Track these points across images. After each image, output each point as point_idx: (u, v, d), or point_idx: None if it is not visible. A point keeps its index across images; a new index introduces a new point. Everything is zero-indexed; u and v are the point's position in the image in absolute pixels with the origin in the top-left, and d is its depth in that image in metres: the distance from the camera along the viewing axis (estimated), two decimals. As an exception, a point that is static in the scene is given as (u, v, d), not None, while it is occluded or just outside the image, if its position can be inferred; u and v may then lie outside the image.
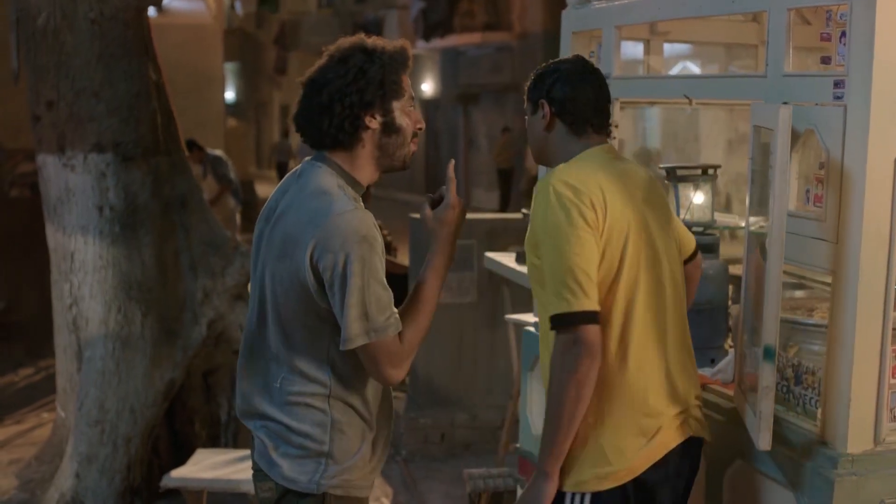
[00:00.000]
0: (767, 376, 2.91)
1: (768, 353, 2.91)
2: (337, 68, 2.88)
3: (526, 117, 3.21)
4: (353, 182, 2.93)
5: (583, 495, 2.93)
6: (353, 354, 2.85)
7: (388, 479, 6.64)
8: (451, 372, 7.26)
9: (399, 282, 8.38)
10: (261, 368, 2.98)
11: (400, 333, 2.87)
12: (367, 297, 2.78)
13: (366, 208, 2.91)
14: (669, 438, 2.97)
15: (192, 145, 11.72)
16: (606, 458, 2.92)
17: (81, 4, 5.86)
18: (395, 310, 2.86)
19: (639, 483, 2.94)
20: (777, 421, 3.10)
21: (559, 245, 2.85)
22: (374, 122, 2.90)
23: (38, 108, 6.04)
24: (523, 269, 5.75)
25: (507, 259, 6.15)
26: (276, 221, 2.92)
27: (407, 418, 7.09)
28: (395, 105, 2.92)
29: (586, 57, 3.88)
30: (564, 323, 2.82)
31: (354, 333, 2.78)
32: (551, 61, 3.19)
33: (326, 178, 2.90)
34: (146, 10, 6.26)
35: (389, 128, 2.93)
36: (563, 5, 4.44)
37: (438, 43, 26.02)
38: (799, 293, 3.73)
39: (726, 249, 4.29)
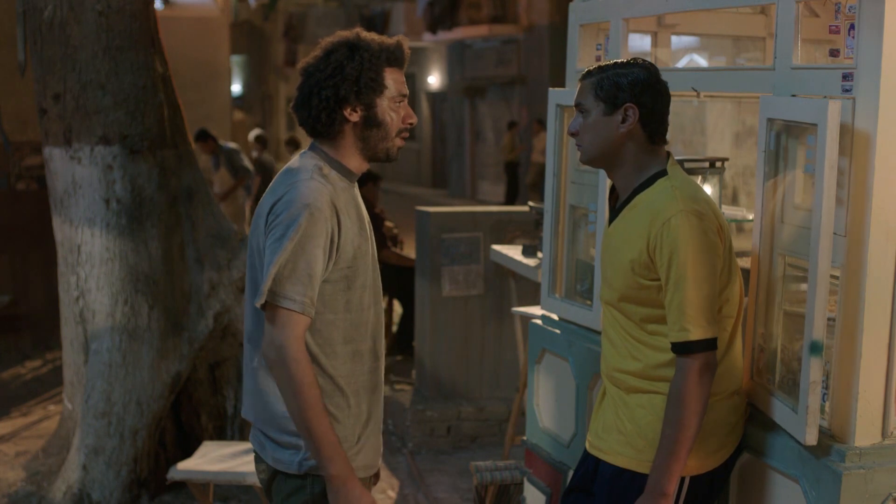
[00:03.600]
0: (815, 371, 2.93)
1: (816, 349, 2.91)
2: (320, 62, 3.02)
3: (585, 115, 3.20)
4: (341, 168, 3.05)
5: (682, 479, 3.12)
6: (322, 333, 2.97)
7: (394, 471, 6.65)
8: (458, 364, 7.26)
9: (406, 274, 8.38)
10: (247, 352, 3.11)
11: (304, 373, 2.85)
12: (290, 261, 2.85)
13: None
14: (741, 428, 3.26)
15: (206, 135, 11.70)
16: (707, 445, 3.14)
17: (88, -3, 5.87)
18: (312, 294, 2.89)
19: (722, 468, 3.23)
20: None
21: (698, 273, 3.00)
22: (355, 116, 3.01)
23: (45, 100, 6.04)
24: (529, 261, 5.76)
25: (513, 252, 6.15)
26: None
27: (413, 411, 7.09)
28: (379, 100, 3.01)
29: (597, 46, 3.89)
30: (701, 349, 3.00)
31: (264, 289, 2.86)
32: (618, 63, 3.17)
33: (305, 160, 3.03)
34: (153, 3, 6.26)
35: (370, 122, 3.02)
36: (571, -2, 4.43)
37: (445, 35, 25.99)
38: (805, 286, 3.72)
39: (733, 242, 4.28)
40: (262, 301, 2.86)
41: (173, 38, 7.47)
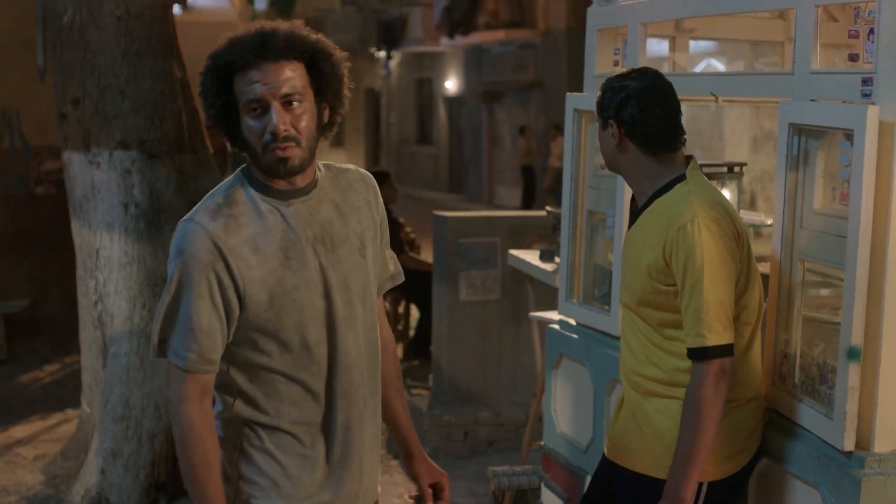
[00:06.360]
0: (853, 377, 2.92)
1: (853, 354, 2.90)
2: None
3: (597, 128, 3.30)
4: (261, 186, 2.67)
5: (700, 485, 3.11)
6: (260, 376, 2.68)
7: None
8: (475, 369, 7.26)
9: (423, 278, 8.38)
10: None
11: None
12: (168, 314, 2.60)
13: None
14: (760, 433, 3.24)
15: None
16: (724, 450, 3.13)
17: (107, 2, 5.88)
18: (199, 348, 2.59)
19: (740, 473, 3.23)
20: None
21: (714, 278, 2.99)
22: (237, 129, 2.65)
23: (64, 105, 6.07)
24: (547, 266, 5.75)
25: (530, 256, 6.14)
26: None
27: (430, 415, 7.09)
28: (242, 113, 2.60)
29: (615, 50, 3.89)
30: (717, 355, 2.98)
31: (153, 341, 2.64)
32: (619, 74, 3.23)
33: (226, 181, 2.72)
34: (171, 8, 6.28)
35: (239, 138, 2.65)
36: (588, 2, 4.43)
37: (462, 40, 26.01)
38: (824, 291, 3.71)
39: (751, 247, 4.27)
40: (154, 356, 2.64)
41: (191, 42, 7.48)
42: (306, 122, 2.60)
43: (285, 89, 2.56)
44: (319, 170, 2.77)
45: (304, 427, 2.71)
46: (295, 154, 2.59)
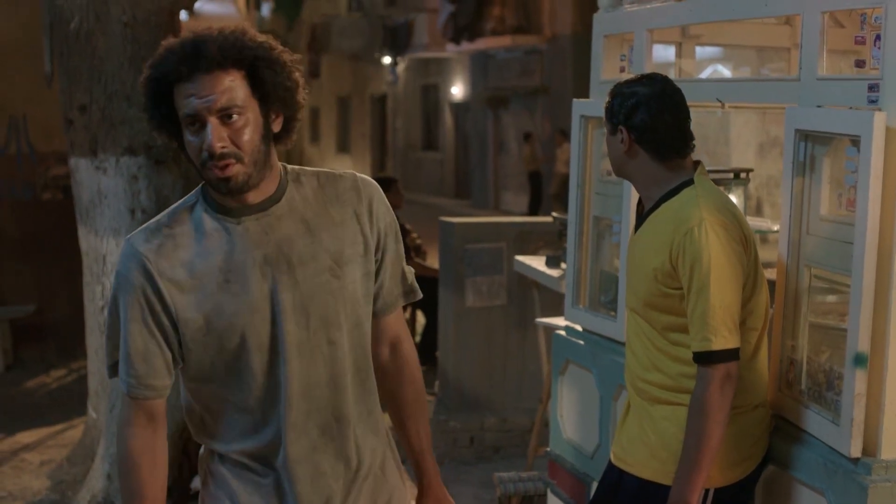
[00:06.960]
0: (860, 383, 2.92)
1: (860, 361, 2.90)
2: None
3: (605, 133, 3.30)
4: (213, 204, 2.51)
5: (706, 491, 3.11)
6: (211, 406, 2.59)
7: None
8: (481, 375, 7.25)
9: (429, 285, 8.39)
10: None
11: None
12: (111, 336, 2.53)
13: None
14: (766, 440, 3.23)
15: None
16: (730, 456, 3.13)
17: (114, 8, 5.89)
18: (136, 373, 2.49)
19: (746, 480, 3.22)
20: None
21: (721, 282, 2.98)
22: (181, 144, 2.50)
23: (71, 111, 6.08)
24: (553, 272, 5.75)
25: (536, 262, 6.15)
26: None
27: (436, 421, 7.08)
28: (183, 127, 2.44)
29: (621, 56, 3.89)
30: (722, 359, 2.98)
31: (107, 364, 2.57)
32: (628, 80, 3.23)
33: (184, 197, 2.60)
34: (178, 14, 6.29)
35: (184, 152, 2.49)
36: (594, 8, 4.43)
37: (468, 46, 26.02)
38: (831, 297, 3.71)
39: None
40: (109, 377, 2.56)
41: (198, 49, 7.48)
42: (248, 136, 2.39)
43: (222, 102, 2.35)
44: (298, 181, 2.57)
45: (252, 457, 2.57)
46: (237, 171, 2.39)
